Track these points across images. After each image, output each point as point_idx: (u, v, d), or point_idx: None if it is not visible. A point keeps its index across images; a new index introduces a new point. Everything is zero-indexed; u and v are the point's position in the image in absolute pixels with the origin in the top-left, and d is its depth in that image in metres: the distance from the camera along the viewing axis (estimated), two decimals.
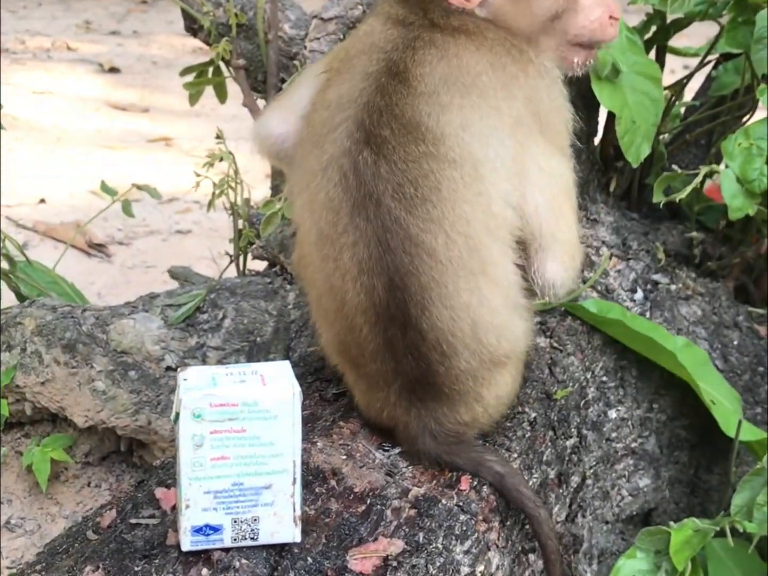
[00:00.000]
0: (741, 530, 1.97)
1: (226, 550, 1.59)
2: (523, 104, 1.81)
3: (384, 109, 1.76)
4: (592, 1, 1.91)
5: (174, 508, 1.68)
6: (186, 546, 1.58)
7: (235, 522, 1.58)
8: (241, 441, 1.56)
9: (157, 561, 1.58)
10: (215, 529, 1.58)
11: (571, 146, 1.92)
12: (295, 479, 1.59)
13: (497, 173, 1.77)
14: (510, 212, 1.79)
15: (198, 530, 1.58)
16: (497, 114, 1.78)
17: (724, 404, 2.24)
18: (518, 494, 1.81)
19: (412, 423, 1.82)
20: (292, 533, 1.61)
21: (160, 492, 1.73)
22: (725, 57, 2.65)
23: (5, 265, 2.58)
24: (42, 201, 4.43)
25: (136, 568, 1.57)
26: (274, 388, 1.57)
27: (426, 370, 1.78)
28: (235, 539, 1.59)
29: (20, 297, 2.60)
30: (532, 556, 1.89)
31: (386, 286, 1.75)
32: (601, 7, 1.92)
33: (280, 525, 1.60)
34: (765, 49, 2.29)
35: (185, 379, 1.57)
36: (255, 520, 1.59)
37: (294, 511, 1.61)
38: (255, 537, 1.60)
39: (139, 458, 2.43)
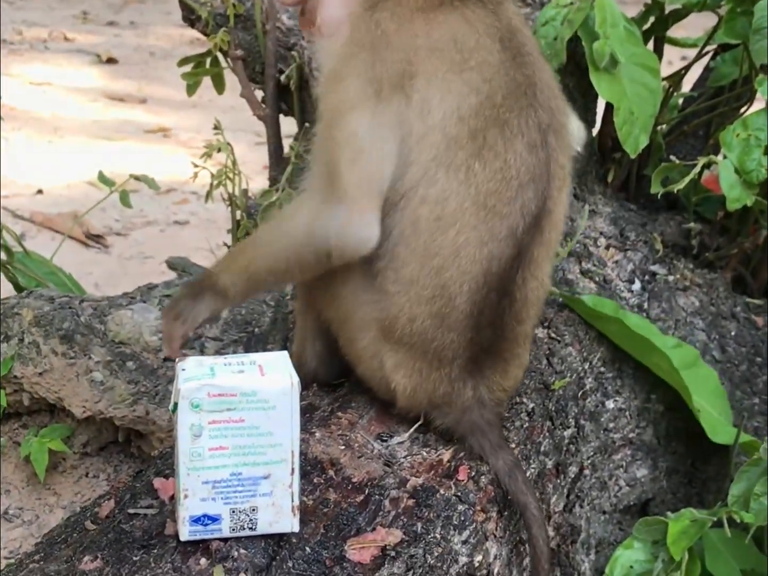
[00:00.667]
0: (738, 520, 1.97)
1: (225, 539, 1.59)
2: None
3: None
4: None
5: (172, 498, 1.68)
6: (184, 536, 1.58)
7: (234, 512, 1.58)
8: (240, 431, 1.56)
9: (155, 551, 1.58)
10: (214, 519, 1.58)
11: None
12: (293, 469, 1.59)
13: None
14: None
15: (196, 520, 1.58)
16: None
17: (710, 412, 2.26)
18: (521, 495, 1.82)
19: (467, 394, 1.86)
20: (290, 523, 1.62)
21: (158, 482, 1.73)
22: (723, 48, 2.65)
23: (3, 255, 2.58)
24: (39, 192, 4.43)
25: (134, 558, 1.57)
26: (273, 378, 1.57)
27: (500, 337, 1.86)
28: (233, 529, 1.59)
29: (18, 288, 2.60)
30: (529, 547, 1.89)
31: (509, 257, 1.81)
32: None
33: (279, 515, 1.60)
34: (763, 39, 2.28)
35: (183, 369, 1.57)
36: (253, 510, 1.59)
37: (292, 501, 1.61)
38: (253, 527, 1.60)
39: (137, 448, 2.43)
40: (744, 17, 2.34)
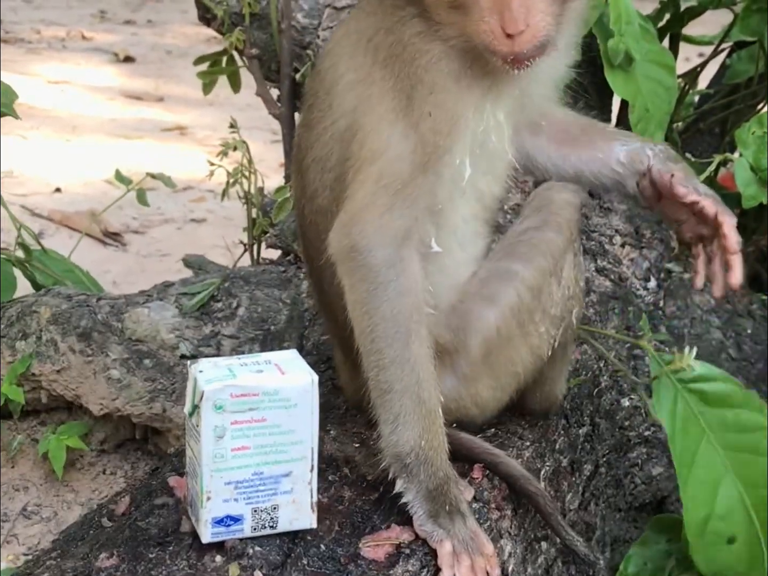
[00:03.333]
0: None
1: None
2: None
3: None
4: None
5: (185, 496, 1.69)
6: (207, 538, 1.58)
7: (255, 511, 1.59)
8: (262, 430, 1.57)
9: (171, 548, 1.59)
10: (236, 520, 1.59)
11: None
12: (313, 466, 1.60)
13: None
14: None
15: (219, 521, 1.58)
16: None
17: None
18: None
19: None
20: (309, 519, 1.62)
21: (173, 480, 1.74)
22: (739, 45, 2.65)
23: (21, 254, 2.59)
24: (57, 190, 4.45)
25: (150, 555, 1.58)
26: (293, 376, 1.58)
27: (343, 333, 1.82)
28: (254, 528, 1.60)
29: (36, 286, 2.62)
30: (544, 544, 1.89)
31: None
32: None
33: (299, 512, 1.61)
34: None
35: (201, 371, 1.57)
36: (274, 508, 1.60)
37: (311, 497, 1.62)
38: (274, 525, 1.61)
39: (154, 446, 2.44)
40: (759, 14, 2.34)
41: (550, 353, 1.87)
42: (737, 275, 1.74)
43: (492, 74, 1.66)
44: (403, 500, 1.65)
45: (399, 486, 1.66)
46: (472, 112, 1.66)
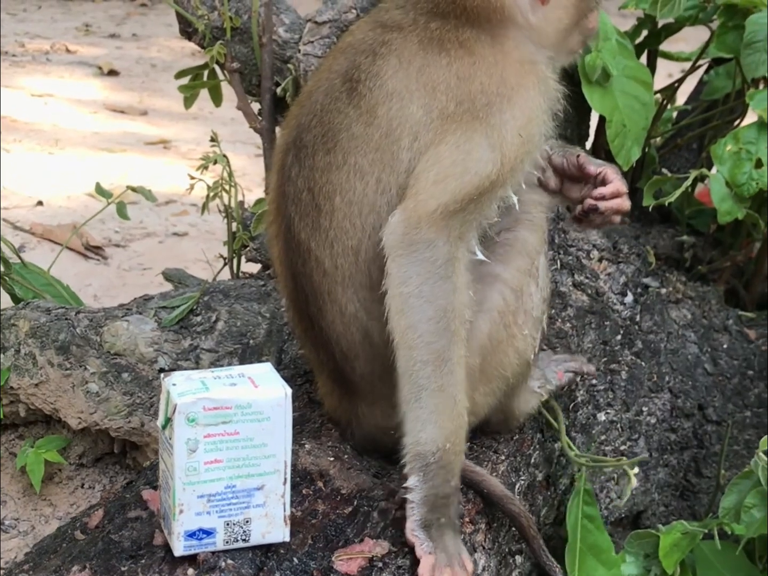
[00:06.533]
0: (729, 532, 1.98)
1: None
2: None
3: (318, 113, 1.78)
4: None
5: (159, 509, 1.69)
6: (179, 551, 1.58)
7: (228, 525, 1.59)
8: (235, 443, 1.57)
9: (143, 561, 1.59)
10: (208, 533, 1.59)
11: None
12: (285, 479, 1.61)
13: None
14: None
15: (191, 535, 1.58)
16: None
17: None
18: None
19: (342, 415, 1.88)
20: (282, 533, 1.63)
21: (147, 493, 1.74)
22: (717, 61, 2.66)
23: (0, 267, 2.59)
24: (39, 203, 4.44)
25: (122, 568, 1.58)
26: (266, 389, 1.58)
27: (337, 365, 1.83)
28: (227, 542, 1.60)
29: (15, 299, 2.61)
30: (519, 558, 1.90)
31: (293, 280, 1.85)
32: None
33: (271, 525, 1.61)
34: (754, 54, 2.30)
35: (174, 384, 1.57)
36: (247, 521, 1.60)
37: (284, 510, 1.62)
38: (246, 539, 1.61)
39: (133, 460, 2.44)
40: (735, 31, 2.35)
41: (533, 356, 1.91)
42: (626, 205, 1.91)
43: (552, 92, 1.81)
44: (408, 498, 1.66)
45: (411, 482, 1.67)
46: (544, 133, 1.79)
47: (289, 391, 1.58)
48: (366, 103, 1.74)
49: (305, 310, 1.83)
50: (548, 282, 1.92)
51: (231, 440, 1.56)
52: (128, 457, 2.45)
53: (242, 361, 2.41)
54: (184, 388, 1.56)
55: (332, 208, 1.74)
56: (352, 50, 1.82)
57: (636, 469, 1.91)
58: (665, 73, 2.64)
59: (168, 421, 1.55)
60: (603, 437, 2.24)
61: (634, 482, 1.90)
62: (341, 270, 1.75)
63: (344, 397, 1.86)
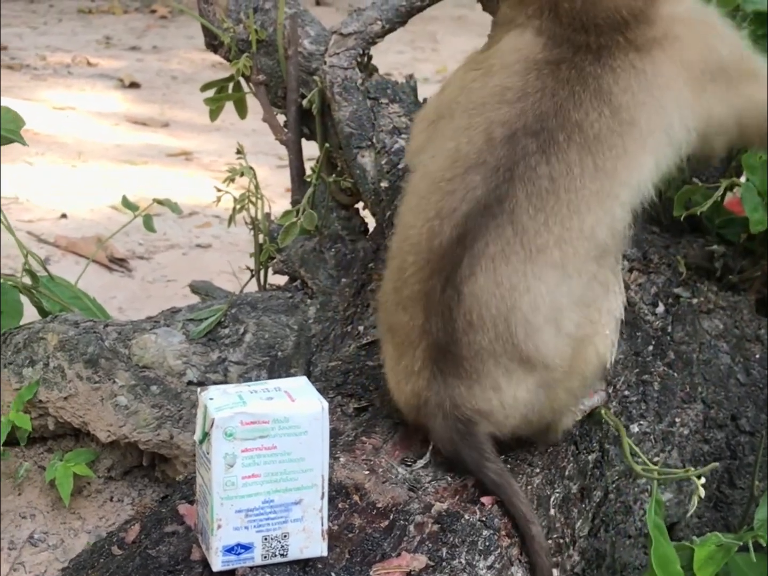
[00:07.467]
0: (763, 544, 1.96)
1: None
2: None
3: (573, 119, 1.82)
4: None
5: (196, 524, 1.68)
6: (217, 566, 1.58)
7: (266, 539, 1.58)
8: (272, 458, 1.56)
9: None
10: (246, 548, 1.58)
11: None
12: (323, 493, 1.60)
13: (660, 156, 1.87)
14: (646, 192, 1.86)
15: (229, 550, 1.57)
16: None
17: None
18: (512, 507, 1.79)
19: (431, 398, 1.81)
20: (320, 547, 1.62)
21: (183, 508, 1.74)
22: None
23: (28, 280, 2.59)
24: (63, 216, 4.46)
25: None
26: (303, 403, 1.58)
27: (451, 335, 1.78)
28: (265, 557, 1.59)
29: (43, 312, 2.62)
30: (555, 572, 1.88)
31: (453, 238, 1.79)
32: None
33: (309, 540, 1.61)
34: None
35: (211, 399, 1.57)
36: (285, 536, 1.60)
37: (322, 525, 1.61)
38: (285, 553, 1.60)
39: (162, 473, 2.44)
40: (764, 40, 2.34)
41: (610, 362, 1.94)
42: None
43: None
44: None
45: None
46: None
47: (326, 404, 1.58)
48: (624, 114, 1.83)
49: (445, 269, 1.79)
50: (623, 289, 1.94)
51: (269, 455, 1.56)
52: (157, 470, 2.44)
53: (270, 374, 2.40)
54: (221, 403, 1.55)
55: (572, 198, 1.78)
56: (566, 60, 1.87)
57: (702, 479, 1.88)
58: None
59: (205, 435, 1.54)
60: (636, 449, 2.22)
61: (702, 492, 1.87)
62: (538, 247, 1.77)
63: (439, 376, 1.80)
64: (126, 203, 2.81)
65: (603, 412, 2.07)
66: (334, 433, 1.91)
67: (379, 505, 1.74)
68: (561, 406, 1.91)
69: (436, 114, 2.03)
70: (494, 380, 1.79)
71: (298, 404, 1.57)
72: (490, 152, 1.82)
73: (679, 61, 1.88)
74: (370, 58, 2.66)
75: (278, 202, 3.70)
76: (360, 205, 2.70)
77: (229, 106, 2.85)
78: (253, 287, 2.80)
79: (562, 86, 1.84)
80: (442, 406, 1.81)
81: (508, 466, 1.90)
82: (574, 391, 1.90)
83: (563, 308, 1.79)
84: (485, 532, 1.75)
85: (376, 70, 2.70)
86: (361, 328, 2.42)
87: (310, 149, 2.81)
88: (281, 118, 2.81)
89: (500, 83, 1.88)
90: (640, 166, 1.84)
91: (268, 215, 2.73)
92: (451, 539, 1.71)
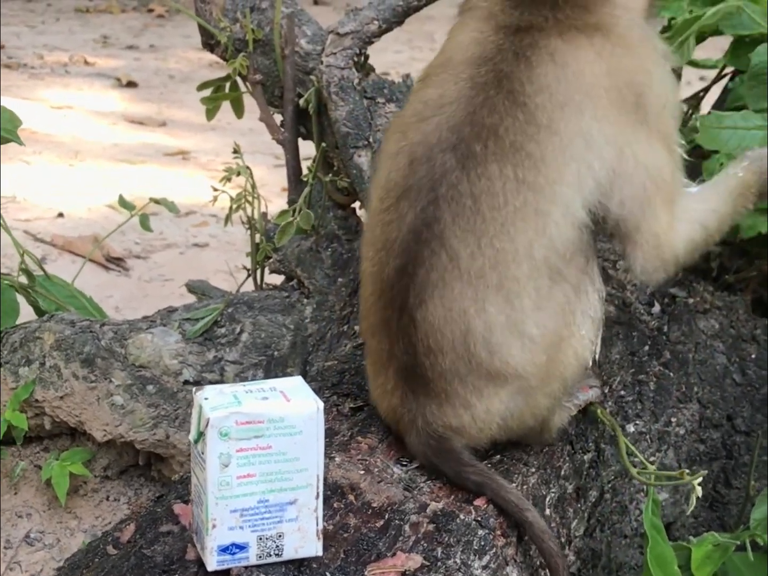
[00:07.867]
0: (761, 544, 1.96)
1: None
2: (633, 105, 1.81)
3: (488, 127, 1.75)
4: None
5: (191, 523, 1.68)
6: (212, 566, 1.58)
7: (261, 539, 1.58)
8: (267, 458, 1.56)
9: None
10: (241, 548, 1.58)
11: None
12: (318, 493, 1.60)
13: (582, 184, 1.77)
14: (581, 217, 1.78)
15: (224, 549, 1.57)
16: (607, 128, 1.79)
17: None
18: (502, 500, 1.79)
19: (405, 415, 1.83)
20: (315, 547, 1.62)
21: (178, 507, 1.74)
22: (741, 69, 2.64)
23: (24, 279, 2.59)
24: (60, 215, 4.46)
25: None
26: (298, 403, 1.58)
27: (414, 358, 1.79)
28: (260, 556, 1.59)
29: (39, 311, 2.62)
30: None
31: (398, 268, 1.79)
32: None
33: (304, 540, 1.60)
34: (759, 87, 2.24)
35: (206, 398, 1.57)
36: (280, 536, 1.59)
37: (317, 525, 1.61)
38: (279, 553, 1.60)
39: (158, 472, 2.44)
40: (749, 46, 2.33)
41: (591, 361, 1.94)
42: None
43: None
44: None
45: None
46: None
47: (321, 404, 1.58)
48: (540, 117, 1.75)
49: (397, 299, 1.79)
50: (602, 286, 1.90)
51: (264, 454, 1.56)
52: (153, 470, 2.45)
53: (267, 373, 2.40)
54: (216, 402, 1.55)
55: (496, 216, 1.73)
56: (487, 60, 1.79)
57: (700, 479, 1.88)
58: (684, 80, 2.62)
59: (200, 435, 1.54)
60: (633, 448, 2.22)
61: (699, 492, 1.86)
62: (475, 269, 1.74)
63: (410, 395, 1.82)
64: (123, 202, 2.81)
65: (599, 411, 2.07)
66: (330, 433, 1.91)
67: (374, 505, 1.74)
68: (543, 409, 1.89)
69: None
70: (463, 398, 1.80)
71: (294, 404, 1.57)
72: (412, 175, 1.78)
73: (607, 64, 1.78)
74: (366, 57, 2.66)
75: (275, 201, 3.70)
76: (356, 204, 2.70)
77: (226, 106, 2.85)
78: (249, 287, 2.80)
79: (477, 92, 1.78)
80: (415, 422, 1.83)
81: (504, 466, 1.91)
82: (555, 393, 1.89)
83: (524, 321, 1.77)
84: (480, 532, 1.75)
85: (372, 69, 2.70)
86: (357, 327, 2.42)
87: (307, 149, 2.81)
88: (278, 118, 2.81)
89: (422, 98, 1.86)
90: (561, 178, 1.75)
91: (264, 215, 2.73)
92: (447, 539, 1.71)
